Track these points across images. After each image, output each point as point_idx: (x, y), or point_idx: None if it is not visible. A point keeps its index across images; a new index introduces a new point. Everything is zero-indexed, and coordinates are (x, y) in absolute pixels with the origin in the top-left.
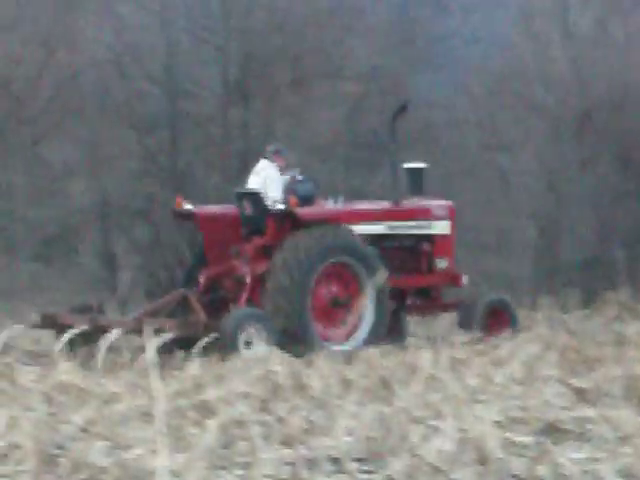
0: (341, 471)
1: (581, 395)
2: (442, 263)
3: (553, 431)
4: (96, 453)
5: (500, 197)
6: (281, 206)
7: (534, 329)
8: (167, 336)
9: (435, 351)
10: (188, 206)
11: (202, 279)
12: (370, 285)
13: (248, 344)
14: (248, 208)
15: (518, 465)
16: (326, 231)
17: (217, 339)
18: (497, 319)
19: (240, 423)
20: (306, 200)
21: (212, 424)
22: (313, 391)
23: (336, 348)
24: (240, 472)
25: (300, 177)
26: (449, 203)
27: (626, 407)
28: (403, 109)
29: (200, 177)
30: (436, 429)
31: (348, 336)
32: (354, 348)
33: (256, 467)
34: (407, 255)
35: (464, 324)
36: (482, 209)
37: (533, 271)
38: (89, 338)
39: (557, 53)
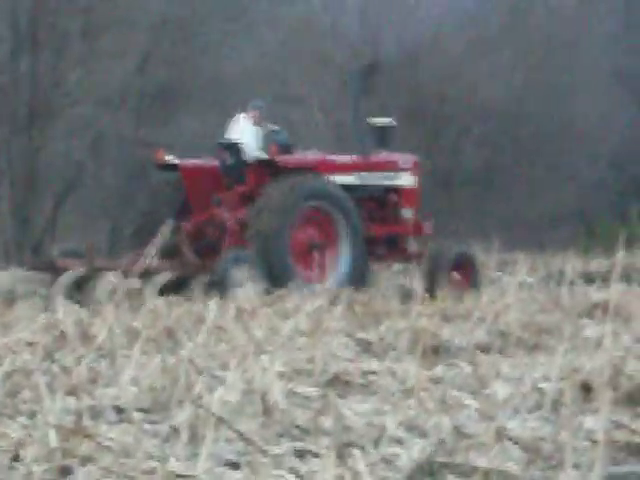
0: (126, 421)
1: (367, 348)
2: (408, 213)
3: (338, 383)
4: None
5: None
6: (262, 155)
7: None
8: (167, 276)
9: (222, 301)
10: (170, 158)
11: (188, 227)
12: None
13: (239, 284)
14: (228, 159)
15: (302, 416)
16: (305, 177)
17: (210, 280)
18: (461, 271)
19: (25, 372)
20: (285, 149)
21: None
22: (98, 340)
23: (314, 288)
24: (25, 420)
25: (275, 127)
26: (414, 157)
27: (410, 360)
28: (371, 67)
29: None
30: (221, 380)
31: (324, 277)
32: (330, 288)
33: (41, 416)
34: (375, 205)
35: (429, 275)
36: None
37: None
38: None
39: (347, 6)
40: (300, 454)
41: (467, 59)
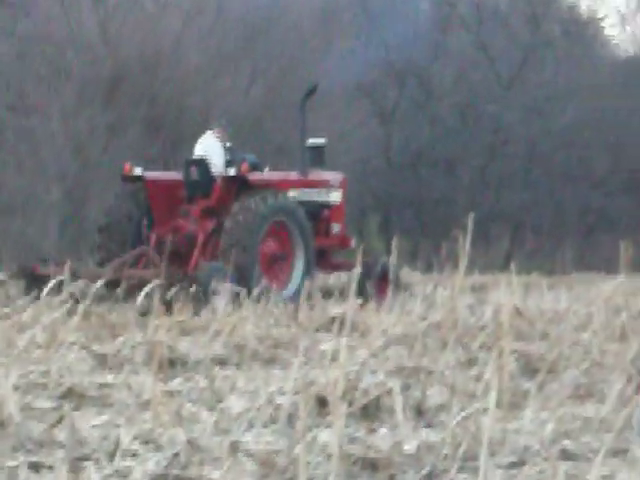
0: None
1: (102, 360)
2: (336, 228)
3: (73, 396)
4: None
5: (27, 159)
6: (232, 171)
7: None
8: (155, 283)
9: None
10: (137, 170)
11: (153, 237)
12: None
13: (214, 294)
14: (195, 174)
15: (37, 429)
16: (271, 195)
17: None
18: (383, 282)
19: None
20: (254, 167)
21: None
22: None
23: (278, 296)
24: None
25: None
26: (342, 175)
27: (146, 373)
28: (312, 91)
29: None
30: None
31: (284, 286)
32: (291, 296)
33: None
34: (310, 219)
35: (361, 286)
36: (10, 170)
37: (59, 235)
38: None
39: (86, 17)
40: (35, 467)
41: (206, 72)
